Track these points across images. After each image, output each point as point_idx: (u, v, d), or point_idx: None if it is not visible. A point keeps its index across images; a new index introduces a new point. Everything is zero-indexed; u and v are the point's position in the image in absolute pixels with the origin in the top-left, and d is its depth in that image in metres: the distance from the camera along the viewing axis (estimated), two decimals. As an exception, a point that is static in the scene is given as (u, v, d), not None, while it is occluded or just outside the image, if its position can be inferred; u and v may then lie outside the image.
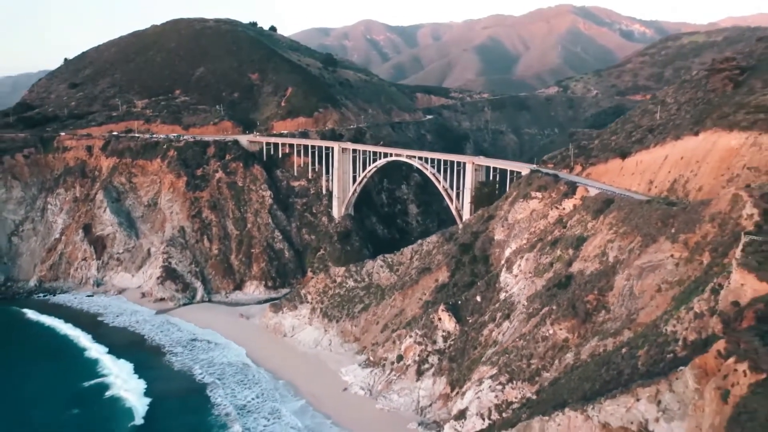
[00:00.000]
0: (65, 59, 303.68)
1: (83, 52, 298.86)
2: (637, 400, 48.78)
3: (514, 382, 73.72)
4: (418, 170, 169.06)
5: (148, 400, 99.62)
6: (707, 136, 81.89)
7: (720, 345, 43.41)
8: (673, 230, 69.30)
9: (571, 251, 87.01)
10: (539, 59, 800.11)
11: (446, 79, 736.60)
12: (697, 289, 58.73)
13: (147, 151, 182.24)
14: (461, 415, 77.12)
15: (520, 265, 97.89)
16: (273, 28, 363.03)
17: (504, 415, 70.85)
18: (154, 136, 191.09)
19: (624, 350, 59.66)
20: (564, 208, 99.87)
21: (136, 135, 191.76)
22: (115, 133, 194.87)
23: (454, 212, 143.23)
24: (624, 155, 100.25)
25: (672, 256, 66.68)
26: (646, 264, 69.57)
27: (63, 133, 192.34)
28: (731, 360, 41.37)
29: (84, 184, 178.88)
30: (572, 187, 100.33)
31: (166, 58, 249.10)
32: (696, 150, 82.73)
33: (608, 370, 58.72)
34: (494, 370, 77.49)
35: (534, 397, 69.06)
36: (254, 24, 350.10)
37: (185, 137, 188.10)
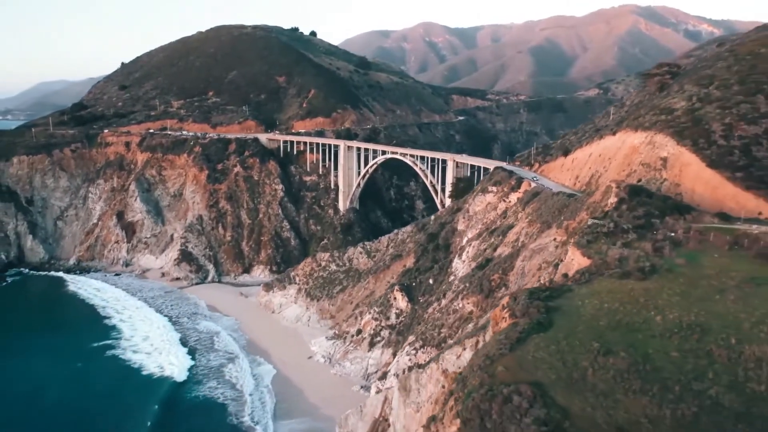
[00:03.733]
0: (122, 63, 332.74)
1: (137, 57, 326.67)
2: (464, 349, 59.29)
3: (425, 347, 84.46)
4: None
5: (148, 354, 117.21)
6: (621, 136, 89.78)
7: (504, 301, 53.50)
8: (562, 218, 78.44)
9: (500, 238, 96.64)
10: (594, 61, 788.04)
11: (498, 81, 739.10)
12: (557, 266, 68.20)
13: (176, 147, 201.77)
14: (384, 376, 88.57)
15: (468, 252, 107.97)
16: (313, 33, 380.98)
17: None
18: (184, 133, 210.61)
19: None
20: (510, 201, 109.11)
21: (169, 132, 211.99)
22: (151, 130, 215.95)
23: (438, 205, 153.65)
24: (566, 153, 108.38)
25: (555, 239, 75.93)
26: (536, 247, 78.95)
27: (106, 131, 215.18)
28: (505, 312, 51.48)
29: (121, 176, 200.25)
30: (519, 182, 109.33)
31: (205, 62, 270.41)
32: (610, 148, 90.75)
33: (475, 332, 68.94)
34: (413, 338, 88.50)
35: (434, 358, 79.70)
36: (295, 29, 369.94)
37: (210, 135, 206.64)
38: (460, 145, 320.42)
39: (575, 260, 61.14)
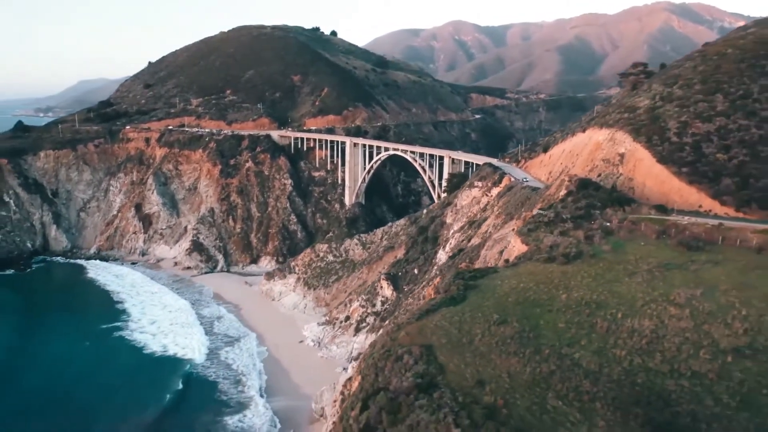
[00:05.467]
0: (149, 62, 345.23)
1: (163, 57, 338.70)
2: (409, 325, 64.50)
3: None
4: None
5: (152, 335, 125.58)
6: (589, 133, 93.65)
7: (436, 281, 58.68)
8: (522, 210, 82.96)
9: (475, 230, 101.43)
10: (623, 59, 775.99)
11: (525, 79, 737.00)
12: (508, 254, 72.80)
13: (192, 143, 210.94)
14: (359, 356, 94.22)
15: (451, 243, 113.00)
16: (333, 33, 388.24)
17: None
18: (200, 130, 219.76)
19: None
20: (492, 195, 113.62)
21: (186, 129, 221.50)
22: (170, 127, 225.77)
23: (435, 199, 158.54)
24: (545, 150, 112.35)
25: (513, 230, 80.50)
26: (498, 237, 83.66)
27: (128, 127, 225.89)
28: (431, 290, 56.86)
29: (140, 170, 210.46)
30: (501, 178, 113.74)
31: (224, 62, 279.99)
32: (579, 145, 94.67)
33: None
34: (388, 323, 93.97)
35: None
36: (316, 29, 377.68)
37: (225, 131, 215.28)
38: (475, 143, 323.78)
39: (516, 247, 65.99)
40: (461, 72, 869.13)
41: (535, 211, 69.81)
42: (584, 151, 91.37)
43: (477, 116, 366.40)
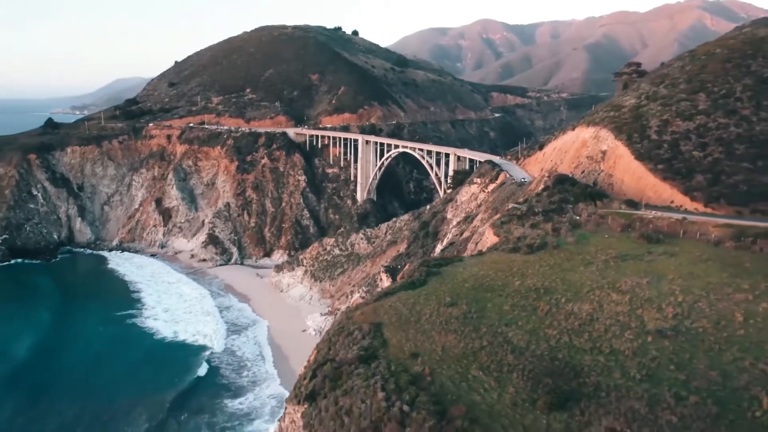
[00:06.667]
0: (175, 62, 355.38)
1: (188, 56, 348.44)
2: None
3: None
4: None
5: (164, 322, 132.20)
6: (577, 131, 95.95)
7: (405, 268, 62.27)
8: (508, 203, 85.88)
9: (468, 224, 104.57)
10: (652, 58, 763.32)
11: (552, 78, 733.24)
12: (487, 245, 75.96)
13: (211, 140, 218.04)
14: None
15: (447, 238, 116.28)
16: (355, 32, 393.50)
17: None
18: (219, 127, 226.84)
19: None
20: (488, 191, 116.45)
21: (206, 126, 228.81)
22: (191, 124, 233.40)
23: (442, 195, 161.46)
24: (541, 147, 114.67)
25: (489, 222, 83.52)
26: (483, 230, 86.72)
27: (151, 124, 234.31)
28: (399, 276, 60.28)
29: (161, 166, 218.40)
30: (497, 174, 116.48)
31: (245, 61, 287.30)
32: (568, 142, 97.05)
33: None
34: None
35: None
36: (338, 29, 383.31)
37: (243, 129, 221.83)
38: (493, 142, 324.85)
39: (488, 238, 69.29)
40: (488, 70, 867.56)
41: (510, 205, 72.84)
42: (572, 148, 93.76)
43: (497, 115, 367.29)
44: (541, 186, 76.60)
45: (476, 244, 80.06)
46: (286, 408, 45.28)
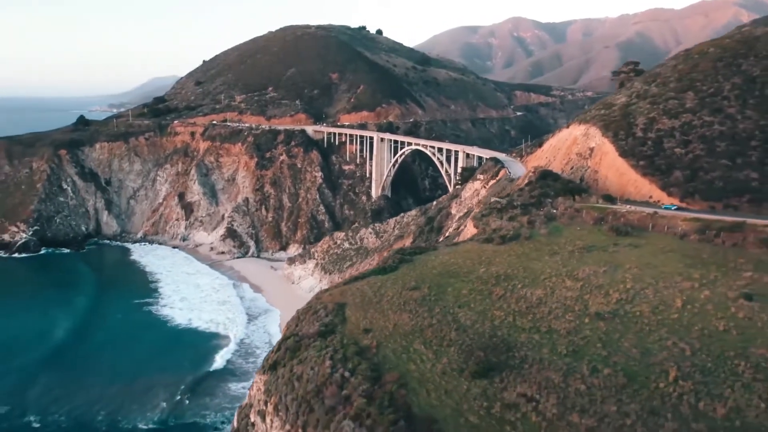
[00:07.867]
0: (203, 61, 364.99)
1: (215, 56, 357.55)
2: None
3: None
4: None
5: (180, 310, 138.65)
6: (571, 129, 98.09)
7: (383, 253, 65.97)
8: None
9: (465, 219, 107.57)
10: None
11: (582, 76, 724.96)
12: (472, 238, 79.15)
13: (233, 137, 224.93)
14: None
15: (449, 232, 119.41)
16: (379, 32, 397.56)
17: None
18: (241, 124, 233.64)
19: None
20: (489, 187, 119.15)
21: (228, 124, 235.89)
22: (214, 122, 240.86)
23: (451, 191, 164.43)
24: (540, 145, 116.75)
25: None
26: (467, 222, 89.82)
27: (176, 122, 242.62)
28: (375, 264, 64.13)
29: (185, 162, 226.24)
30: (498, 171, 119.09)
31: (269, 60, 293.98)
32: (562, 140, 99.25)
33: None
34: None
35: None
36: (362, 28, 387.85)
37: (263, 126, 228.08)
38: (514, 140, 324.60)
39: (469, 230, 72.60)
40: (518, 69, 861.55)
41: (492, 199, 75.82)
42: (564, 145, 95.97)
43: (519, 113, 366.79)
44: (526, 181, 79.33)
45: (459, 235, 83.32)
46: (255, 377, 49.73)
